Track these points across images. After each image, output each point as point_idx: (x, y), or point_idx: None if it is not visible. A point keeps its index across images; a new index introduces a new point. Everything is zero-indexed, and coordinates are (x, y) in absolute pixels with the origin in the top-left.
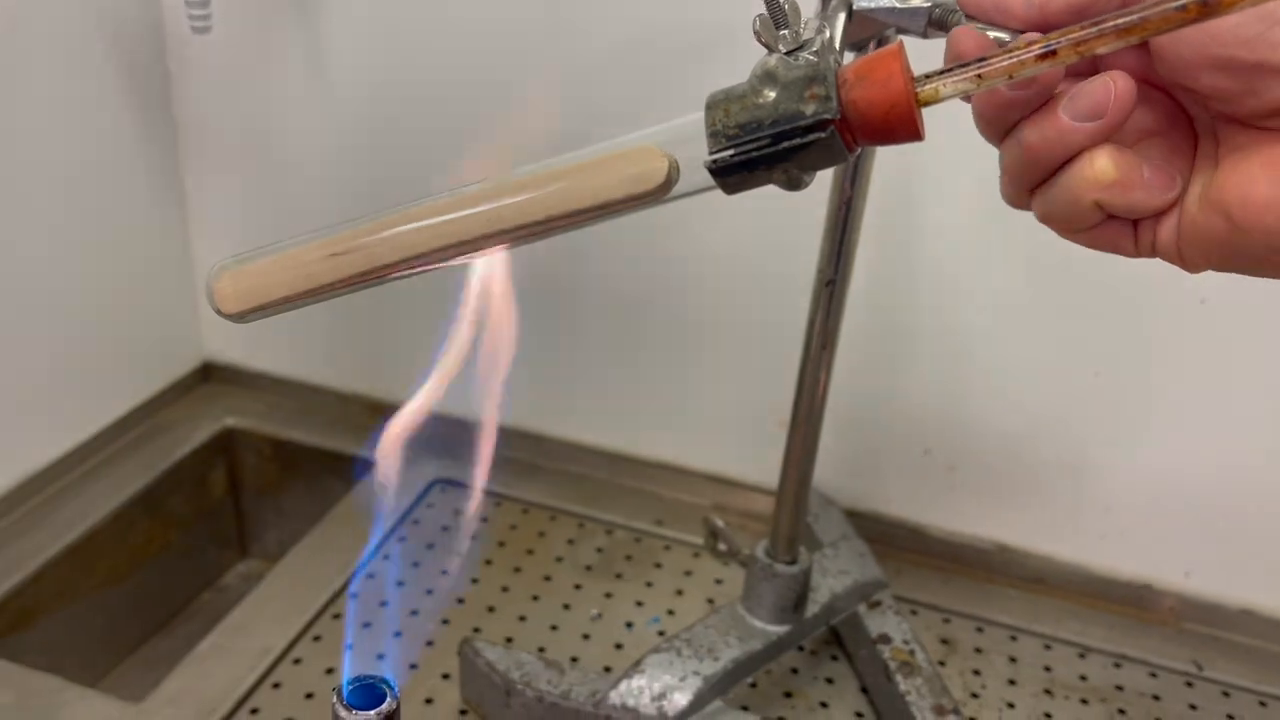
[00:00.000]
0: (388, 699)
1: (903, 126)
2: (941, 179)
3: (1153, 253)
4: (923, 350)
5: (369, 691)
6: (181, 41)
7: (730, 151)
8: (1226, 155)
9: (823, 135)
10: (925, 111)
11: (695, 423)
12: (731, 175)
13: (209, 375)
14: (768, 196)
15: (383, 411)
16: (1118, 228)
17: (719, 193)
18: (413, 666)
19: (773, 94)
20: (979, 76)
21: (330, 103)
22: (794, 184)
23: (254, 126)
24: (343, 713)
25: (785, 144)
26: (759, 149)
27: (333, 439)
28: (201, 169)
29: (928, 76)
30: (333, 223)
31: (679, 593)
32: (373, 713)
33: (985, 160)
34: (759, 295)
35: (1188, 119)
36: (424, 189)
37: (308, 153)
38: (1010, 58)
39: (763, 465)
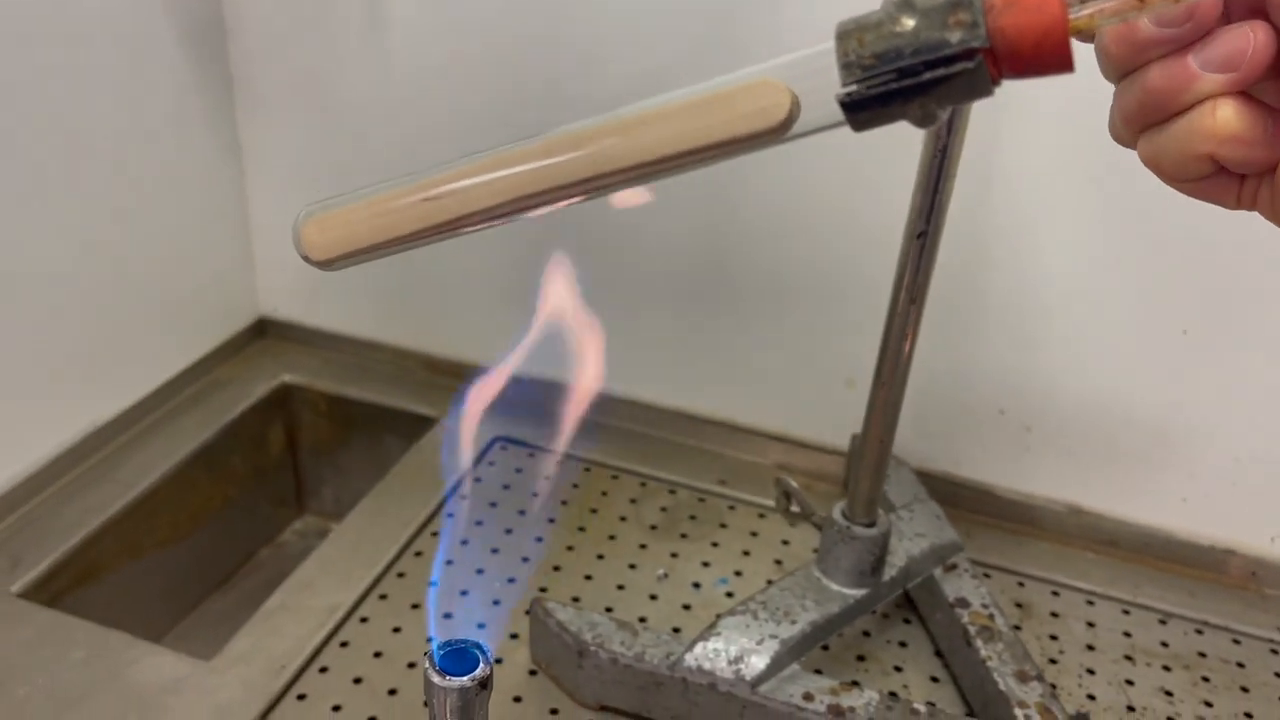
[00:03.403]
0: (481, 664)
1: (1054, 57)
2: (1022, 127)
3: (1253, 205)
4: (998, 306)
5: (460, 655)
6: None
7: (865, 84)
8: None
9: (969, 66)
10: None
11: (760, 381)
12: (864, 110)
13: (264, 331)
14: (836, 145)
15: (439, 368)
16: (1225, 181)
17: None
18: (479, 626)
19: (912, 21)
20: (1141, 0)
21: (386, 55)
22: (928, 119)
23: (310, 80)
24: (436, 678)
25: (927, 76)
26: (897, 81)
27: (389, 396)
28: (258, 123)
29: (1081, 2)
30: (421, 167)
31: (745, 553)
32: (466, 678)
33: (1070, 107)
34: (827, 250)
35: None
36: (481, 143)
37: (364, 106)
38: None
39: (829, 425)
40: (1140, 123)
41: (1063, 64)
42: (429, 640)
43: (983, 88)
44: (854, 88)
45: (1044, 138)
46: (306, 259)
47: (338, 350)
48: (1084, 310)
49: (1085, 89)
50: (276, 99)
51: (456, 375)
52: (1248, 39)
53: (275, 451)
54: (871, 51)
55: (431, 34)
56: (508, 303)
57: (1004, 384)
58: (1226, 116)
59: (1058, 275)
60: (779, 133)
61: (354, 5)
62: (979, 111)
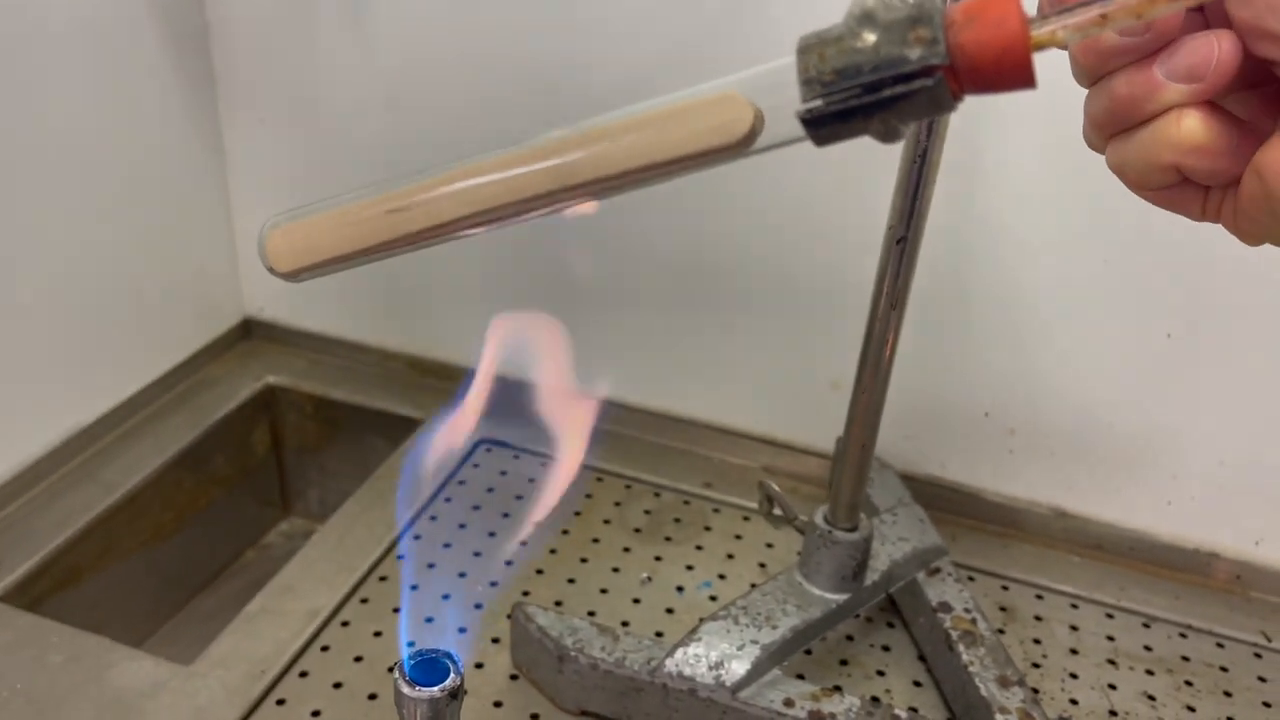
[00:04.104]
0: (451, 674)
1: (1015, 73)
2: (1007, 130)
3: (1217, 218)
4: (983, 309)
5: (431, 665)
6: None
7: (825, 100)
8: None
9: (929, 83)
10: None
11: (744, 383)
12: (825, 126)
13: (249, 332)
14: (818, 149)
15: (424, 369)
16: (1191, 191)
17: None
18: (461, 630)
19: (873, 37)
20: (1103, 16)
21: (371, 56)
22: (890, 135)
23: (294, 80)
24: (406, 689)
25: (887, 92)
26: (858, 97)
27: (374, 397)
28: (241, 123)
29: (1044, 17)
30: (388, 177)
31: (730, 556)
32: (437, 689)
33: (1055, 111)
34: (810, 253)
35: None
36: (464, 145)
37: (349, 107)
38: None
39: (813, 427)
40: (1108, 129)
41: (1024, 80)
42: (409, 645)
43: (944, 104)
44: (815, 103)
45: (1026, 141)
46: (271, 270)
47: (323, 352)
48: (1068, 313)
49: (1068, 91)
50: (260, 99)
51: (442, 377)
52: (1212, 49)
53: (260, 453)
54: (832, 67)
55: (415, 35)
56: (493, 304)
57: (989, 387)
58: (1191, 127)
59: (1041, 278)
60: (741, 148)
61: (337, 6)
62: (960, 115)
